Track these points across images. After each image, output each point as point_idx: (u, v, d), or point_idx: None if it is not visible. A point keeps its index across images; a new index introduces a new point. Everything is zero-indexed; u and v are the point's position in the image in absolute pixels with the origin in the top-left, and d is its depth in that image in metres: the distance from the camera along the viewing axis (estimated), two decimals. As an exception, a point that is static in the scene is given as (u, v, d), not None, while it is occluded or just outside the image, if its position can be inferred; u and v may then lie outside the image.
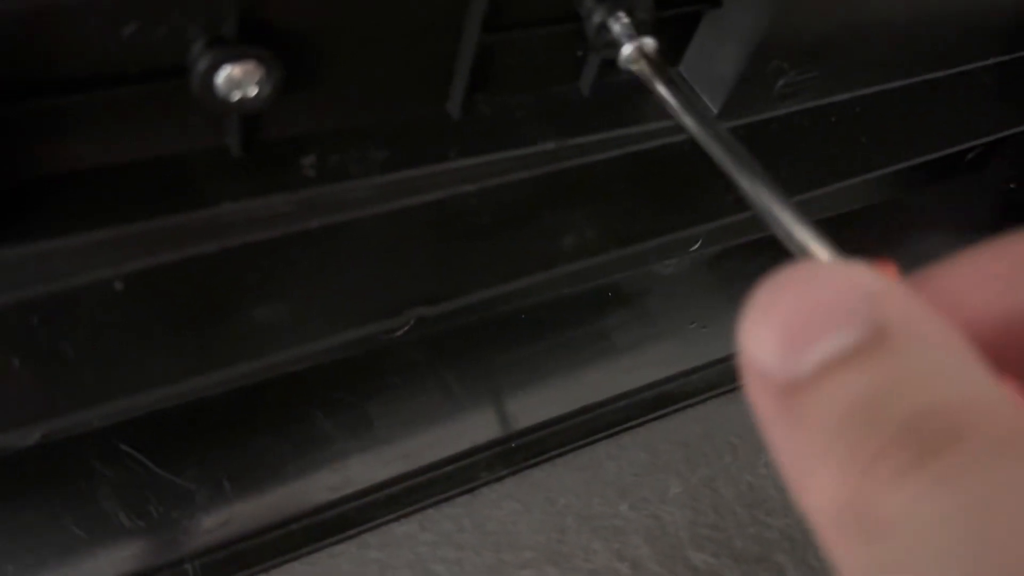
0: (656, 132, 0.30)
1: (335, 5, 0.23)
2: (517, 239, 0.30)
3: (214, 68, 0.21)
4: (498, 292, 0.31)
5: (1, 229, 0.21)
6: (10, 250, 0.21)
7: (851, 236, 0.18)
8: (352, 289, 0.28)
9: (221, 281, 0.25)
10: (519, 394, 0.45)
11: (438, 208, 0.27)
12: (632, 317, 0.50)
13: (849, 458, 0.12)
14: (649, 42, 0.25)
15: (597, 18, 0.25)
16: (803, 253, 0.18)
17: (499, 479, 0.43)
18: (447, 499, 0.42)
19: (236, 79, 0.21)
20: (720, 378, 0.49)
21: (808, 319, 0.13)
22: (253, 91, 0.22)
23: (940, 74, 0.37)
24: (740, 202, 0.20)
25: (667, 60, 0.26)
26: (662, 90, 0.24)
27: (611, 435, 0.46)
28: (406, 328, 0.29)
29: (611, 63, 0.26)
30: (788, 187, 0.21)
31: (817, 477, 0.13)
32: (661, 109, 0.23)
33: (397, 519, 0.41)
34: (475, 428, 0.43)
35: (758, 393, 0.14)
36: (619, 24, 0.25)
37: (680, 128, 0.23)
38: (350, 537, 0.40)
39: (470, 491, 0.42)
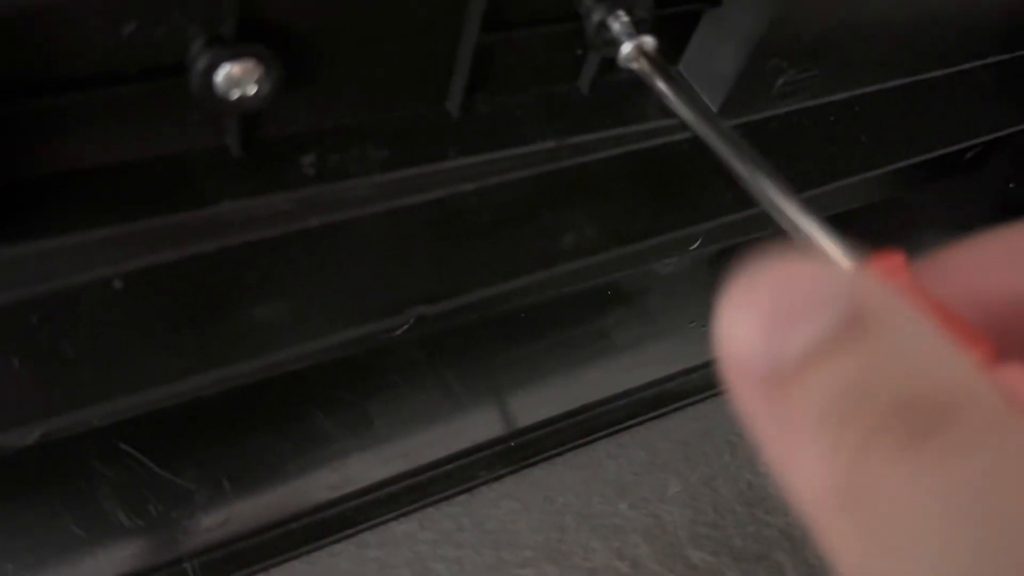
0: (656, 131, 0.30)
1: (334, 4, 0.23)
2: (517, 238, 0.30)
3: (213, 67, 0.21)
4: (498, 291, 0.31)
5: (1, 228, 0.21)
6: (10, 249, 0.21)
7: (850, 235, 0.18)
8: (352, 288, 0.28)
9: (221, 280, 0.25)
10: (519, 393, 0.45)
11: (438, 207, 0.27)
12: (632, 316, 0.50)
13: (841, 441, 0.12)
14: (649, 40, 0.25)
15: (596, 17, 0.25)
16: (810, 243, 0.18)
17: (499, 478, 0.43)
18: (447, 498, 0.42)
19: (235, 78, 0.21)
20: (720, 377, 0.48)
21: (787, 308, 0.13)
22: (252, 90, 0.22)
23: (939, 73, 0.38)
24: (740, 200, 0.20)
25: (667, 59, 0.26)
26: (662, 87, 0.24)
27: (611, 434, 0.46)
28: (406, 327, 0.29)
29: (611, 62, 0.26)
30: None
31: (809, 463, 0.13)
32: (661, 108, 0.23)
33: (397, 518, 0.41)
34: (475, 427, 0.43)
35: (741, 386, 0.14)
36: (618, 23, 0.25)
37: (680, 127, 0.23)
38: (349, 536, 0.40)
39: (470, 490, 0.42)
